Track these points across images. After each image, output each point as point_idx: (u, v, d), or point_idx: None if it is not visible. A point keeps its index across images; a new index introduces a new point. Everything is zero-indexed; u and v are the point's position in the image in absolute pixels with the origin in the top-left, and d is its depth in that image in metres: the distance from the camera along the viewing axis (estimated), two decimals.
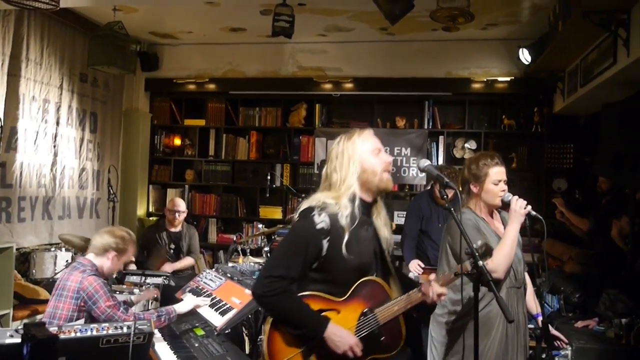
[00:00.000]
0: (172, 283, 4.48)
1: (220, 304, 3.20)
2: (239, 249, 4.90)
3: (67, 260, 4.84)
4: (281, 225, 5.84)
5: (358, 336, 2.07)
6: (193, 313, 3.23)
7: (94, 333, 2.25)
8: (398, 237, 4.97)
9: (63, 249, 4.98)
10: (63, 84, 5.64)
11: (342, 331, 2.04)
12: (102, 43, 5.35)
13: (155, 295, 3.95)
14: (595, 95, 4.59)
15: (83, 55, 5.77)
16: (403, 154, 6.17)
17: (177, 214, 5.30)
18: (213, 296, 3.37)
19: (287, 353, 2.05)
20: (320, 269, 2.10)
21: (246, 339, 3.80)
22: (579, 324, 3.87)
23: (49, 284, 4.76)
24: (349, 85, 6.37)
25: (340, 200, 2.09)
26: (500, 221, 2.86)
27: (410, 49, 6.19)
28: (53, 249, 4.99)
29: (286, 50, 6.46)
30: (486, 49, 6.06)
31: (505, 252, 2.59)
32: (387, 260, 2.23)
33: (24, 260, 5.06)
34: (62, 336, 2.19)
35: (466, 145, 6.24)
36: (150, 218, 6.75)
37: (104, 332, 2.26)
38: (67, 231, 5.56)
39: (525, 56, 5.34)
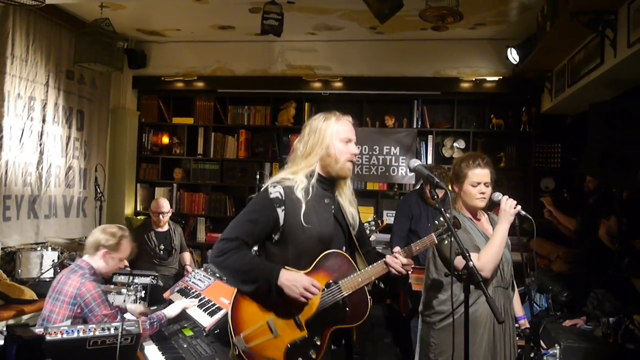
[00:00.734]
0: (160, 283, 4.45)
1: (209, 304, 3.18)
2: None
3: (53, 260, 4.79)
4: None
5: (322, 307, 2.11)
6: (182, 313, 3.20)
7: (81, 334, 2.23)
8: (384, 235, 4.98)
9: (49, 249, 4.92)
10: (49, 81, 5.57)
11: (293, 274, 2.08)
12: (89, 40, 5.30)
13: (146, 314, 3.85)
14: (582, 95, 4.63)
15: (69, 52, 5.70)
16: (392, 153, 6.17)
17: (161, 216, 5.26)
18: (202, 296, 3.34)
19: (252, 323, 2.08)
20: (282, 241, 2.16)
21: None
22: (567, 322, 3.89)
23: (35, 284, 4.70)
24: (338, 84, 6.36)
25: (297, 175, 2.19)
26: (489, 222, 2.87)
27: (399, 48, 6.20)
28: (39, 249, 4.93)
29: (275, 49, 6.43)
30: (475, 49, 6.08)
31: (492, 251, 2.60)
32: (353, 235, 2.28)
33: (10, 259, 4.99)
34: (48, 337, 2.17)
35: (455, 144, 6.26)
36: (138, 217, 6.69)
37: (91, 334, 2.24)
38: (54, 230, 5.50)
39: (513, 56, 5.37)
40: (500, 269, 2.71)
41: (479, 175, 2.73)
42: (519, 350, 3.24)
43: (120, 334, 2.25)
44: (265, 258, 2.20)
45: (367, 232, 2.63)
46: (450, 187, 2.90)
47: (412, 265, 2.20)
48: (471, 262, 2.02)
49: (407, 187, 6.25)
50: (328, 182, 2.25)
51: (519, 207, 2.63)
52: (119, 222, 6.43)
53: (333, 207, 2.25)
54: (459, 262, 2.42)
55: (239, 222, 2.17)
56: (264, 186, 2.22)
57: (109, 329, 2.28)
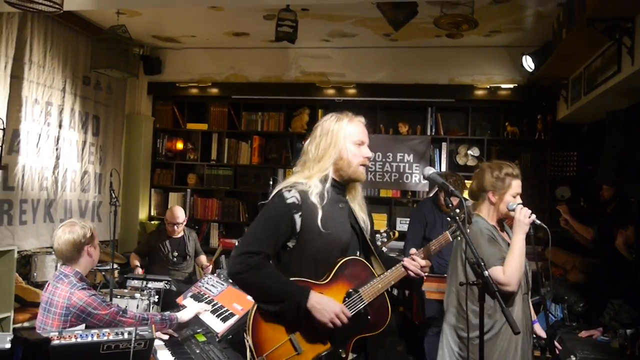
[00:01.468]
0: (174, 288, 4.47)
1: (222, 310, 3.19)
2: None
3: None
4: None
5: None
6: (194, 319, 3.21)
7: (95, 339, 2.23)
8: (398, 242, 4.96)
9: None
10: (66, 87, 5.64)
11: (324, 298, 2.00)
12: (105, 46, 5.36)
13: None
14: (599, 103, 4.57)
15: (86, 58, 5.78)
16: (405, 160, 6.15)
17: (175, 227, 5.28)
18: (214, 302, 3.35)
19: (275, 342, 2.01)
20: (299, 248, 2.09)
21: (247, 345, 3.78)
22: (583, 333, 3.83)
23: None
24: (352, 91, 6.37)
25: (311, 180, 2.11)
26: (504, 229, 2.85)
27: (413, 55, 6.19)
28: (54, 252, 4.97)
29: (289, 56, 6.46)
30: (489, 56, 6.05)
31: (516, 264, 2.56)
32: (367, 239, 2.23)
33: (25, 263, 5.04)
34: (62, 342, 2.17)
35: (469, 152, 6.22)
36: (152, 222, 6.73)
37: (105, 338, 2.24)
38: None
39: (528, 63, 5.33)
40: (523, 278, 2.68)
41: (520, 187, 2.71)
42: None
43: (134, 339, 2.25)
44: (279, 266, 2.11)
45: (379, 243, 2.59)
46: (468, 196, 2.86)
47: (429, 266, 2.15)
48: (486, 272, 2.00)
49: (421, 194, 6.23)
50: (341, 187, 2.20)
51: (533, 216, 2.59)
52: (133, 226, 6.53)
53: (347, 211, 2.20)
54: (495, 272, 2.40)
55: (259, 233, 2.07)
56: (276, 190, 2.13)
57: (122, 334, 2.28)
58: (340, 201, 2.18)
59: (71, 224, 2.95)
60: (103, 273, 4.64)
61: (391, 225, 6.21)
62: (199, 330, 3.12)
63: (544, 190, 5.97)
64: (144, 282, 4.33)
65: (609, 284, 4.18)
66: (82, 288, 2.79)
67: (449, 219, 2.19)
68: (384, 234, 3.98)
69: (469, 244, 2.04)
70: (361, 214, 2.24)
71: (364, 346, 2.18)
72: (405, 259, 2.15)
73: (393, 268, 2.15)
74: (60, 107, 5.58)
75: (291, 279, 2.05)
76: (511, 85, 6.02)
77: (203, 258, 5.59)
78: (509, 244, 2.69)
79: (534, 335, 2.97)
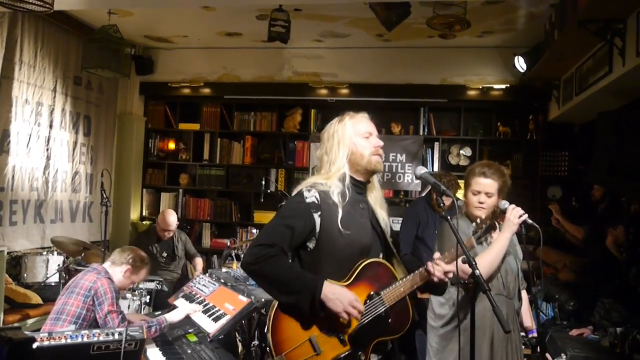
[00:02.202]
0: (165, 288, 4.45)
1: (214, 310, 3.18)
2: (233, 254, 4.87)
3: (58, 265, 4.79)
4: None
5: (365, 320, 2.03)
6: (186, 319, 3.19)
7: (85, 340, 2.22)
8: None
9: (55, 253, 4.94)
10: (57, 87, 5.60)
11: (337, 288, 1.98)
12: (96, 46, 5.33)
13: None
14: (590, 103, 4.60)
15: (77, 58, 5.74)
16: (398, 160, 6.16)
17: (167, 233, 5.30)
18: (206, 302, 3.34)
19: (294, 341, 2.00)
20: (319, 249, 2.07)
21: (239, 345, 3.77)
22: (574, 332, 3.86)
23: (41, 289, 4.71)
24: (345, 91, 6.37)
25: (331, 180, 2.11)
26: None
27: (406, 55, 6.20)
28: (45, 253, 4.95)
29: (282, 56, 6.45)
30: (482, 57, 6.07)
31: (489, 259, 2.57)
32: (389, 240, 2.20)
33: (15, 264, 5.00)
34: (52, 342, 2.16)
35: (461, 152, 6.24)
36: (144, 222, 6.70)
37: (95, 339, 2.23)
38: (60, 235, 5.50)
39: (520, 64, 5.36)
40: (502, 278, 2.68)
41: (481, 185, 2.71)
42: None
43: (124, 339, 2.24)
44: (301, 268, 2.07)
45: None
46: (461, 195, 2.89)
47: (453, 271, 2.10)
48: (477, 271, 2.00)
49: (413, 194, 6.24)
50: (361, 186, 2.18)
51: (524, 216, 2.60)
52: (124, 227, 6.49)
53: (368, 212, 2.18)
54: (464, 268, 2.40)
55: (275, 228, 2.04)
56: (296, 190, 2.12)
57: (113, 334, 2.27)
58: (361, 201, 2.16)
59: (140, 252, 3.41)
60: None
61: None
62: (190, 330, 3.11)
63: (535, 190, 6.00)
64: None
65: (599, 283, 4.21)
66: (109, 278, 3.12)
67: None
68: None
69: (459, 243, 2.04)
70: (382, 214, 2.21)
71: (385, 349, 2.15)
72: (429, 262, 2.11)
73: (416, 272, 2.11)
74: (51, 107, 5.54)
75: None
76: (503, 86, 6.04)
77: (199, 262, 5.54)
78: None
79: (524, 334, 2.98)
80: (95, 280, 3.03)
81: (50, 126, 5.54)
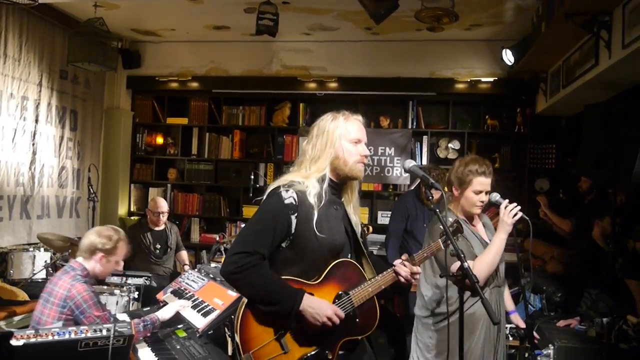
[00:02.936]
0: (154, 284, 4.43)
1: (203, 305, 3.16)
2: (222, 249, 4.85)
3: (45, 261, 4.75)
4: None
5: None
6: (175, 315, 3.18)
7: (72, 336, 2.21)
8: (379, 235, 4.96)
9: (42, 249, 4.88)
10: (42, 81, 5.53)
11: (316, 301, 2.00)
12: (82, 40, 5.26)
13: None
14: (577, 96, 4.63)
15: (63, 51, 5.67)
16: (387, 154, 6.17)
17: (160, 215, 5.26)
18: (195, 297, 3.32)
19: (262, 340, 2.00)
20: (292, 248, 2.07)
21: (229, 340, 3.76)
22: (561, 323, 3.90)
23: (27, 285, 4.66)
24: (333, 85, 6.35)
25: (309, 179, 2.09)
26: (482, 224, 2.87)
27: (394, 48, 6.19)
28: (31, 249, 4.89)
29: (270, 49, 6.42)
30: (470, 50, 6.08)
31: (488, 261, 2.59)
32: (360, 241, 2.21)
33: (1, 260, 4.94)
34: (39, 339, 2.14)
35: (450, 145, 6.26)
36: (132, 217, 6.66)
37: (83, 335, 2.21)
38: (46, 231, 5.45)
39: (508, 57, 5.37)
40: (497, 269, 2.70)
41: (483, 184, 2.71)
42: (512, 350, 3.25)
43: (112, 336, 2.22)
44: (271, 263, 2.06)
45: None
46: (447, 189, 2.88)
47: (420, 273, 2.13)
48: (466, 264, 2.01)
49: (402, 187, 6.25)
50: (338, 187, 2.18)
51: (519, 215, 2.60)
52: (112, 222, 6.40)
53: (341, 213, 2.18)
54: (456, 266, 2.41)
55: (254, 233, 2.03)
56: (272, 188, 2.11)
57: (101, 331, 2.25)
58: (335, 203, 2.16)
59: (107, 229, 3.11)
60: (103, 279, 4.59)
61: (373, 218, 6.23)
62: (179, 326, 3.09)
63: (523, 182, 6.04)
64: (124, 279, 4.28)
65: (586, 274, 4.25)
66: (84, 282, 2.90)
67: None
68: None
69: (449, 238, 2.05)
70: (354, 217, 2.22)
71: (354, 348, 2.16)
72: (397, 263, 2.13)
73: (384, 272, 2.13)
74: (36, 101, 5.47)
75: (282, 276, 2.04)
76: (491, 79, 6.06)
77: (184, 254, 5.55)
78: (483, 242, 2.72)
79: (513, 325, 3.01)
80: (69, 289, 2.83)
81: (36, 121, 5.47)
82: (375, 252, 5.23)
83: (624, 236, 3.97)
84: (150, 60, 6.69)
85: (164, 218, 5.30)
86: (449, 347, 2.43)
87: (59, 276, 2.94)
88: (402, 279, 2.10)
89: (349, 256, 2.18)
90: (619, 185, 3.80)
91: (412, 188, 5.08)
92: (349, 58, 6.28)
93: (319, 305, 1.99)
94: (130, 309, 3.96)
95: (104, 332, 2.24)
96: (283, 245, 2.07)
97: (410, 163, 2.29)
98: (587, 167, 3.93)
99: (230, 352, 3.65)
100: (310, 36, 6.14)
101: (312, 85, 6.38)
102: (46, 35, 5.59)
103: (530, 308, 4.41)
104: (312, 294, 2.02)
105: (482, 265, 2.56)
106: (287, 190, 2.06)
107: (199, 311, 3.12)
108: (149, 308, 3.55)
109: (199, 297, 3.30)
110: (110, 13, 5.46)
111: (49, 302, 2.85)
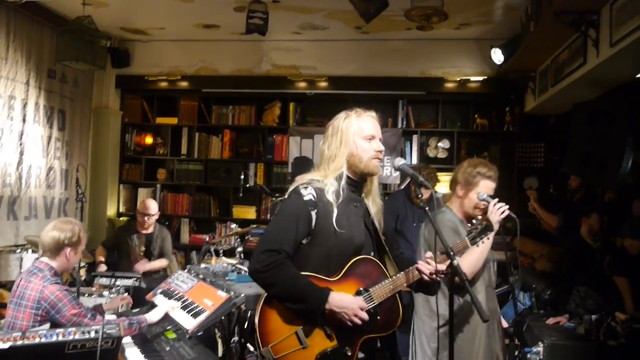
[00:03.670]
0: (143, 285, 4.40)
1: (192, 306, 3.15)
2: (212, 249, 4.82)
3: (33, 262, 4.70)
4: (254, 225, 5.78)
5: None
6: (164, 316, 3.16)
7: (60, 338, 2.17)
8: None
9: (29, 251, 4.83)
10: (30, 80, 5.47)
11: (344, 298, 2.02)
12: (70, 38, 5.19)
13: (128, 302, 3.75)
14: (565, 95, 4.66)
15: (51, 50, 5.60)
16: None
17: (146, 218, 5.15)
18: (185, 298, 3.30)
19: (281, 334, 2.02)
20: (312, 244, 2.10)
21: (219, 341, 3.75)
22: (550, 320, 3.92)
23: None
24: (324, 84, 6.35)
25: (327, 178, 2.13)
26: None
27: (384, 48, 6.20)
28: (19, 251, 4.84)
29: (260, 48, 6.40)
30: (460, 49, 6.10)
31: (472, 260, 2.59)
32: (382, 238, 2.22)
33: None
34: (25, 342, 2.11)
35: (439, 144, 6.28)
36: (121, 218, 6.61)
37: (70, 337, 2.18)
38: (34, 232, 5.39)
39: (497, 56, 5.39)
40: (491, 270, 2.72)
41: (489, 188, 2.73)
42: None
43: (100, 337, 2.20)
44: (293, 260, 2.09)
45: None
46: (450, 187, 2.87)
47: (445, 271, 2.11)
48: (455, 261, 2.01)
49: (392, 187, 6.26)
50: (356, 184, 2.20)
51: (506, 213, 2.60)
52: (101, 223, 6.39)
53: (362, 211, 2.20)
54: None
55: (279, 231, 2.08)
56: (293, 187, 2.16)
57: (89, 332, 2.23)
58: (355, 200, 2.18)
59: (65, 222, 3.03)
60: (70, 271, 4.53)
61: None
62: (168, 328, 3.07)
63: (512, 181, 6.06)
64: (113, 280, 4.25)
65: (575, 271, 4.28)
66: (55, 282, 2.82)
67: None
68: None
69: (438, 234, 2.05)
70: (376, 213, 2.24)
71: (374, 347, 2.16)
72: (420, 261, 2.14)
73: (406, 270, 2.14)
74: (24, 101, 5.41)
75: (303, 273, 2.05)
76: (480, 78, 6.08)
77: (162, 262, 5.25)
78: None
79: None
80: (41, 290, 2.76)
81: (24, 120, 5.41)
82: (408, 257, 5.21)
83: (612, 234, 4.01)
84: (140, 60, 6.65)
85: (149, 221, 5.18)
86: (450, 342, 2.41)
87: (27, 278, 2.85)
88: (426, 277, 2.11)
89: (371, 254, 2.19)
90: (607, 183, 3.83)
91: (402, 187, 5.08)
92: (339, 57, 6.28)
93: (346, 304, 2.01)
94: (120, 309, 3.93)
95: (92, 334, 2.21)
96: (304, 242, 2.10)
97: (400, 161, 2.29)
98: (575, 165, 3.95)
99: (220, 353, 3.64)
100: (300, 35, 6.12)
101: (302, 84, 6.37)
102: (34, 34, 5.53)
103: (519, 306, 4.43)
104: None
105: (467, 263, 2.55)
106: (305, 188, 2.11)
107: (188, 312, 3.10)
108: (138, 310, 3.52)
109: (189, 298, 3.28)
110: (99, 11, 5.42)
111: (21, 306, 2.77)
